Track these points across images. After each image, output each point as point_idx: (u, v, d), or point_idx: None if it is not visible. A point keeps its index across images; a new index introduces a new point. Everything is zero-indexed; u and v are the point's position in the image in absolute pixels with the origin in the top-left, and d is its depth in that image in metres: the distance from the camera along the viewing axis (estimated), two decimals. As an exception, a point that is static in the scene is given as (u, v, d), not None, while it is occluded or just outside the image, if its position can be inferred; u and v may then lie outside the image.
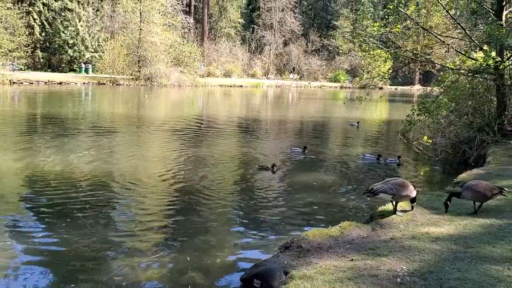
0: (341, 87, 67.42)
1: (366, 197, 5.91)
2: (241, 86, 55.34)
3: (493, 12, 12.64)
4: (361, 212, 7.46)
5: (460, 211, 5.85)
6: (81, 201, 7.44)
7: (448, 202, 5.77)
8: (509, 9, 12.78)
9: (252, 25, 73.47)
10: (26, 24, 47.42)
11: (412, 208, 5.85)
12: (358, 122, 19.97)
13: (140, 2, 46.78)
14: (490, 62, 11.31)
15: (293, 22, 72.49)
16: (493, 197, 5.83)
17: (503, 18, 12.26)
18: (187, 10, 68.54)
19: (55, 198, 7.53)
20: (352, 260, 4.39)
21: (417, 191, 5.84)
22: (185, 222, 6.75)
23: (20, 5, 47.31)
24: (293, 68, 72.92)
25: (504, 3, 12.28)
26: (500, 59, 11.56)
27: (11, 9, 44.58)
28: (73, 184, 8.41)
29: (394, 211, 5.75)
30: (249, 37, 72.28)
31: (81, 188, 8.24)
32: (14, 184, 8.53)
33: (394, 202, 5.77)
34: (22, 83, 37.90)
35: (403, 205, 6.01)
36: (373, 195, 5.60)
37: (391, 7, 13.08)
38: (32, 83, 38.61)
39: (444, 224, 5.38)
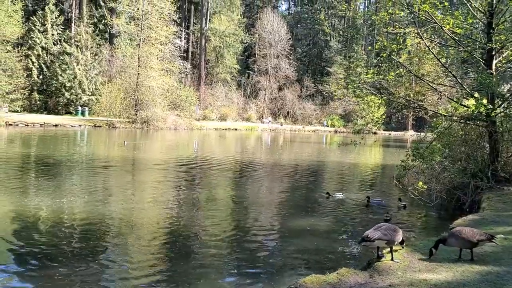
0: (335, 132, 67.99)
1: (363, 246, 5.87)
2: (236, 129, 55.76)
3: (483, 61, 12.97)
4: (358, 258, 7.38)
5: (457, 257, 5.81)
6: (72, 247, 7.31)
7: (432, 249, 5.73)
8: (499, 59, 13.14)
9: (248, 71, 74.97)
10: (24, 66, 48.12)
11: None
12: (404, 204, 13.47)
13: (139, 47, 47.72)
14: (482, 109, 11.52)
15: (287, 68, 73.84)
16: (480, 244, 5.73)
17: (493, 67, 12.57)
18: (185, 56, 70.04)
19: (44, 244, 7.38)
20: (350, 308, 4.32)
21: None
22: (179, 268, 6.63)
23: (19, 48, 48.15)
24: (288, 113, 73.76)
25: (494, 53, 12.64)
26: (491, 107, 11.77)
27: (10, 51, 45.36)
28: (64, 229, 8.28)
29: (391, 258, 5.72)
30: (244, 82, 73.59)
31: (73, 233, 8.12)
32: (1, 227, 8.34)
33: (390, 248, 5.75)
34: (17, 125, 37.99)
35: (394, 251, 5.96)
36: (371, 243, 5.58)
37: (384, 55, 13.44)
38: (28, 125, 38.69)
39: (442, 271, 5.33)
